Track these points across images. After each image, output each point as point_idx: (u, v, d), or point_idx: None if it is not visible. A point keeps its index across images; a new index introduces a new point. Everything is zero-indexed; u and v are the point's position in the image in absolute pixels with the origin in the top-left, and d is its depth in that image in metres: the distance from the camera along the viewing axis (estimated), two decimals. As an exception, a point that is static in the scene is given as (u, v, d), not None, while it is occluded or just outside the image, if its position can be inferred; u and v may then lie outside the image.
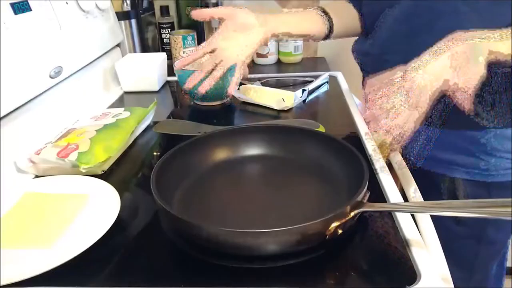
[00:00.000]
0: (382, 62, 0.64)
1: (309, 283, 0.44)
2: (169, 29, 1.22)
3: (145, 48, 1.20)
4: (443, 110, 0.69)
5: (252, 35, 0.77)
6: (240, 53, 0.77)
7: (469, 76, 0.54)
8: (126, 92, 1.03)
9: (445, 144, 0.73)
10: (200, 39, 1.22)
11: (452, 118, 0.70)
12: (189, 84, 0.79)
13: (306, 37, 0.84)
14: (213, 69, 0.77)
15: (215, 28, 1.18)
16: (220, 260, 0.46)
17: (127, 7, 1.13)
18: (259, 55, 1.22)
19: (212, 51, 0.78)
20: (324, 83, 1.01)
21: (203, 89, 0.77)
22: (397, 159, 0.70)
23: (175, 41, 1.17)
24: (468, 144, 0.71)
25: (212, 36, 0.79)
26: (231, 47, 0.77)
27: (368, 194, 0.50)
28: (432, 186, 0.76)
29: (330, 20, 0.84)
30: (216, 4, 1.18)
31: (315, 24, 0.84)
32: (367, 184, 0.49)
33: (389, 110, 0.56)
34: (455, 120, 0.69)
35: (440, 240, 0.51)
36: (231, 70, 0.88)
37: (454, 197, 0.75)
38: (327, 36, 0.86)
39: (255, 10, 0.80)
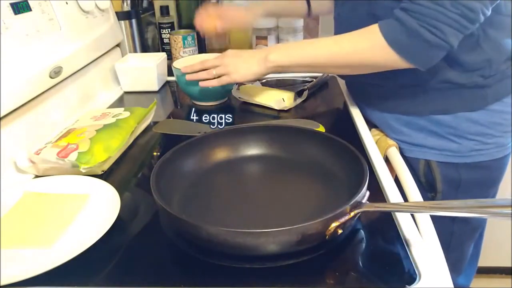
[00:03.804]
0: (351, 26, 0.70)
1: (309, 283, 0.44)
2: (169, 29, 1.22)
3: (145, 48, 1.20)
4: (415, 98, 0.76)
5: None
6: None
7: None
8: (126, 92, 1.03)
9: (418, 129, 0.77)
10: (200, 39, 1.22)
11: (424, 104, 0.75)
12: (190, 77, 0.86)
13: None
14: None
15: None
16: (220, 260, 0.46)
17: (127, 7, 1.13)
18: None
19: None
20: (324, 83, 1.01)
21: (205, 84, 0.84)
22: (393, 152, 0.75)
23: (175, 41, 1.17)
24: (440, 128, 0.75)
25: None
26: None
27: (368, 194, 0.50)
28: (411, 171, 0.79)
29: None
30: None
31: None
32: (367, 184, 0.49)
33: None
34: (426, 106, 0.75)
35: None
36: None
37: (430, 179, 0.79)
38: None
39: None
